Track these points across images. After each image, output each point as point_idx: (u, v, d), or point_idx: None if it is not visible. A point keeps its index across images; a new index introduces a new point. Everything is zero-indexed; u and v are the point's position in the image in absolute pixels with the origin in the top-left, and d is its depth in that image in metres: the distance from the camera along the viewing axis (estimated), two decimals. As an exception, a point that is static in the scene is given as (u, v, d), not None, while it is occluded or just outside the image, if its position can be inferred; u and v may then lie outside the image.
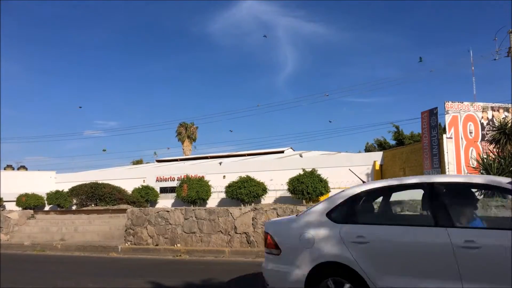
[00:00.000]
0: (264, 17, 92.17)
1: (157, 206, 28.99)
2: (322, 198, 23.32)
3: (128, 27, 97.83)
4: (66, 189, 29.32)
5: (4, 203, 32.27)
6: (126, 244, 11.87)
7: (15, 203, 31.34)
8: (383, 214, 4.86)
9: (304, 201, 22.40)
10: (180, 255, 10.65)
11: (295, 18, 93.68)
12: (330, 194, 23.75)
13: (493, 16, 74.54)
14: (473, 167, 13.42)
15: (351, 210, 4.58)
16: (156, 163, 42.53)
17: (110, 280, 7.63)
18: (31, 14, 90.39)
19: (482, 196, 4.83)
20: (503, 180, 4.08)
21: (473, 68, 30.03)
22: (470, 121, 24.67)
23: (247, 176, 25.44)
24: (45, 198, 30.92)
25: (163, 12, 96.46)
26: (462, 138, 24.37)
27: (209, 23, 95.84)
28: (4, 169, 43.12)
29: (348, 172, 30.14)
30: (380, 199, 4.87)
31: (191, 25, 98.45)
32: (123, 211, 13.93)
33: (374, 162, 28.75)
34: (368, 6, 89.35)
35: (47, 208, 31.72)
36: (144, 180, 32.96)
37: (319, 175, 23.51)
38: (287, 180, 24.02)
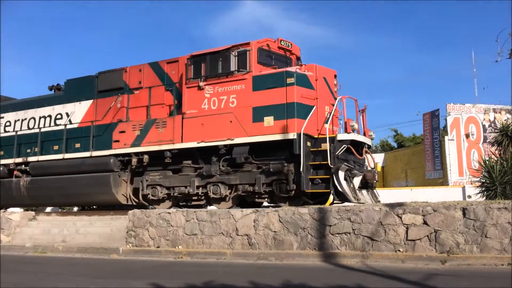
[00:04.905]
0: (265, 20, 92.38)
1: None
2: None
3: (130, 30, 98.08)
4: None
5: (6, 205, 32.26)
6: (128, 246, 11.85)
7: (16, 204, 31.33)
8: None
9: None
10: (181, 257, 10.64)
11: (297, 21, 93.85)
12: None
13: (495, 17, 74.53)
14: (475, 169, 13.38)
15: None
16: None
17: (111, 282, 7.62)
18: (31, 16, 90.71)
19: None
20: None
21: (475, 69, 30.05)
22: (472, 123, 24.61)
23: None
24: (46, 200, 30.86)
25: (165, 15, 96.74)
26: (464, 140, 24.31)
27: (210, 26, 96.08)
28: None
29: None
30: None
31: (193, 28, 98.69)
32: (125, 213, 13.89)
33: (376, 164, 28.70)
34: (370, 8, 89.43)
35: (48, 209, 31.71)
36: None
37: (321, 176, 23.40)
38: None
